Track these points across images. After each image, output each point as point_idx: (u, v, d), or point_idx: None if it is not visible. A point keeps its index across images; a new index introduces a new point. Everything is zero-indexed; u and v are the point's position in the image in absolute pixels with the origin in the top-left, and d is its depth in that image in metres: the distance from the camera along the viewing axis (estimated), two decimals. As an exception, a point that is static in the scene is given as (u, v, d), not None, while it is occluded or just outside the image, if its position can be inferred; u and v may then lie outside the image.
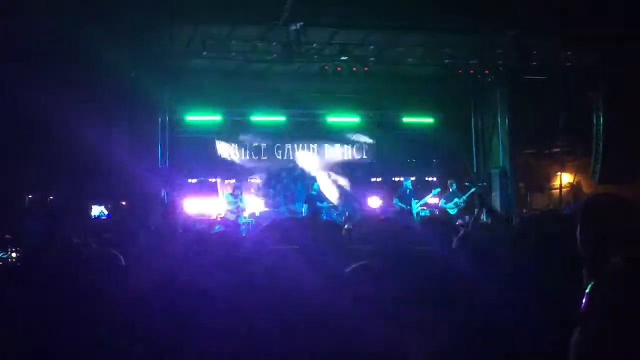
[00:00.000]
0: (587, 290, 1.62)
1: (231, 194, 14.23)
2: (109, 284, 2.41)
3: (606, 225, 2.04)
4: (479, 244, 3.14)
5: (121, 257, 2.79)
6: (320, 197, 15.01)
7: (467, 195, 14.04)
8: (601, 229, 2.03)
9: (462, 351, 2.25)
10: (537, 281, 2.46)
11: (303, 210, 14.16)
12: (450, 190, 14.31)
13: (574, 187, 15.97)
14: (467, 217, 13.30)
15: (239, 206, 13.95)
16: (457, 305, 2.34)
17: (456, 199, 14.08)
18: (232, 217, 13.67)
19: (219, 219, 13.54)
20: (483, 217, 12.81)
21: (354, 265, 2.58)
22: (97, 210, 12.21)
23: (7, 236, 8.05)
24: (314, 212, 13.76)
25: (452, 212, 13.94)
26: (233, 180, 15.60)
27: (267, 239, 3.00)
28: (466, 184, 14.59)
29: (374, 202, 15.60)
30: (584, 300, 1.61)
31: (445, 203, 14.22)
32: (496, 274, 2.60)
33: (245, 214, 14.11)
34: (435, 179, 17.02)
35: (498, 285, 2.52)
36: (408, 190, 14.74)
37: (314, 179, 15.88)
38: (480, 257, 2.87)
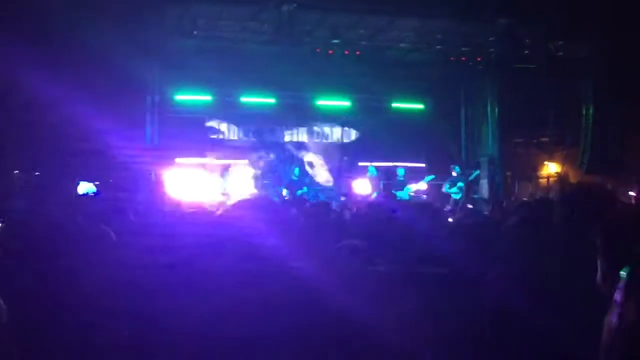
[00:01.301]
0: (622, 275, 1.62)
1: (220, 175, 14.17)
2: (99, 258, 2.39)
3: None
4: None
5: (111, 233, 2.77)
6: (300, 183, 14.90)
7: (470, 178, 14.02)
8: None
9: (460, 335, 2.25)
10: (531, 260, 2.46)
11: (284, 194, 14.12)
12: (454, 174, 14.22)
13: (560, 177, 16.05)
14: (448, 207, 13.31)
15: (227, 187, 13.89)
16: (449, 286, 2.34)
17: (460, 183, 14.02)
18: (222, 198, 13.62)
19: (209, 201, 13.43)
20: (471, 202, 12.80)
21: (342, 243, 2.57)
22: (84, 187, 12.11)
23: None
24: (295, 197, 13.72)
25: (457, 196, 13.88)
26: (222, 161, 15.54)
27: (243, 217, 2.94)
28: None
29: (361, 186, 15.58)
30: (619, 286, 1.61)
31: (449, 187, 14.15)
32: (492, 257, 2.61)
33: (234, 195, 14.05)
34: (423, 165, 17.04)
35: (496, 267, 2.52)
36: (401, 177, 14.72)
37: (298, 163, 15.79)
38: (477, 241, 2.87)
